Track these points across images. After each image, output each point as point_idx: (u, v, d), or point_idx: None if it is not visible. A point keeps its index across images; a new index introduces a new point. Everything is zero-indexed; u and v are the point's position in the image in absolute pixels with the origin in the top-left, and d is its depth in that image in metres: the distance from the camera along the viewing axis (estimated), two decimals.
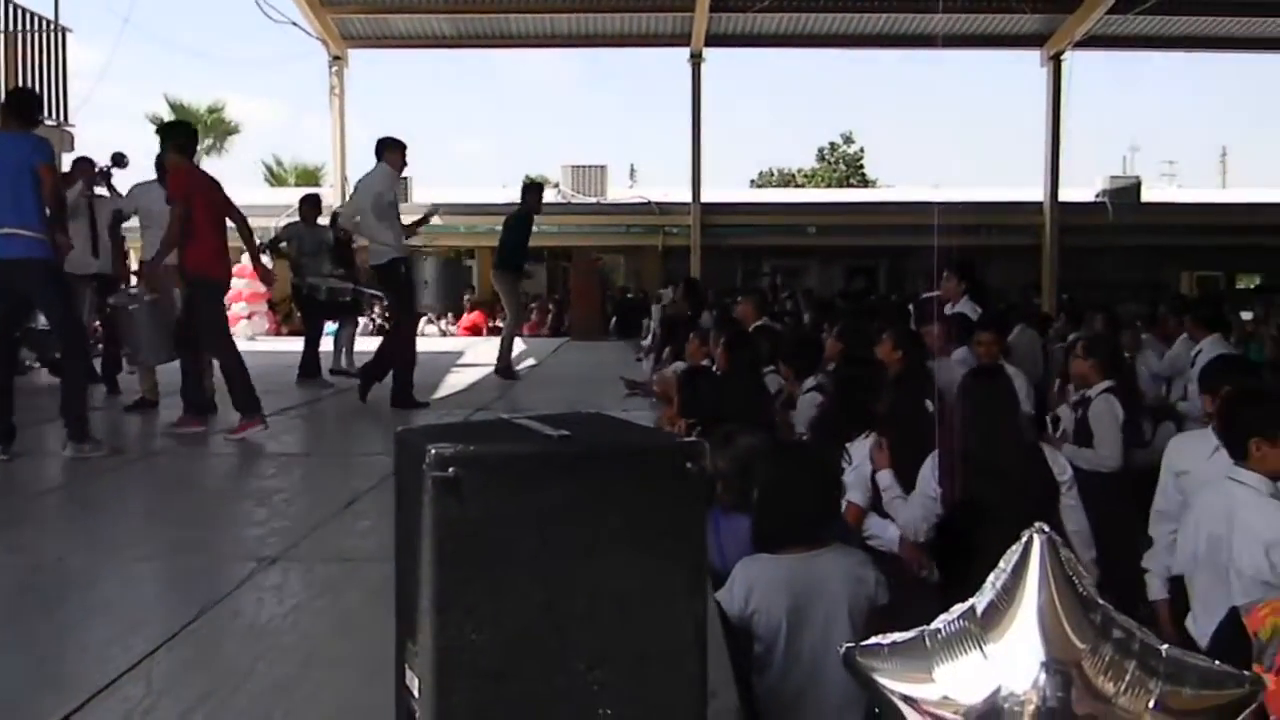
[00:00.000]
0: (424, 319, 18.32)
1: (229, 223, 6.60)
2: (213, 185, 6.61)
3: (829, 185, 37.47)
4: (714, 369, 6.04)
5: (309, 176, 28.89)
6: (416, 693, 1.69)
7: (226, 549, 4.00)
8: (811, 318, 11.02)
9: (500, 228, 10.16)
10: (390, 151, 7.91)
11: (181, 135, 6.92)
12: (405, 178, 20.16)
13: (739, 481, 3.41)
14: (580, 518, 1.68)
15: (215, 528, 4.45)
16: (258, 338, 15.31)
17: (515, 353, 10.15)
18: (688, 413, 4.72)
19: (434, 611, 1.62)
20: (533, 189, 10.29)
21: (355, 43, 18.62)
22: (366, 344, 10.12)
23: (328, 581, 3.61)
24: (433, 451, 1.62)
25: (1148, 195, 21.74)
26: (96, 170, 8.14)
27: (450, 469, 1.61)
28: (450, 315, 18.92)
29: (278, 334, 16.27)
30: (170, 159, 6.71)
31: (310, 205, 10.14)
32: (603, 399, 8.01)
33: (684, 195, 19.56)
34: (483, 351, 11.91)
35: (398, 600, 1.81)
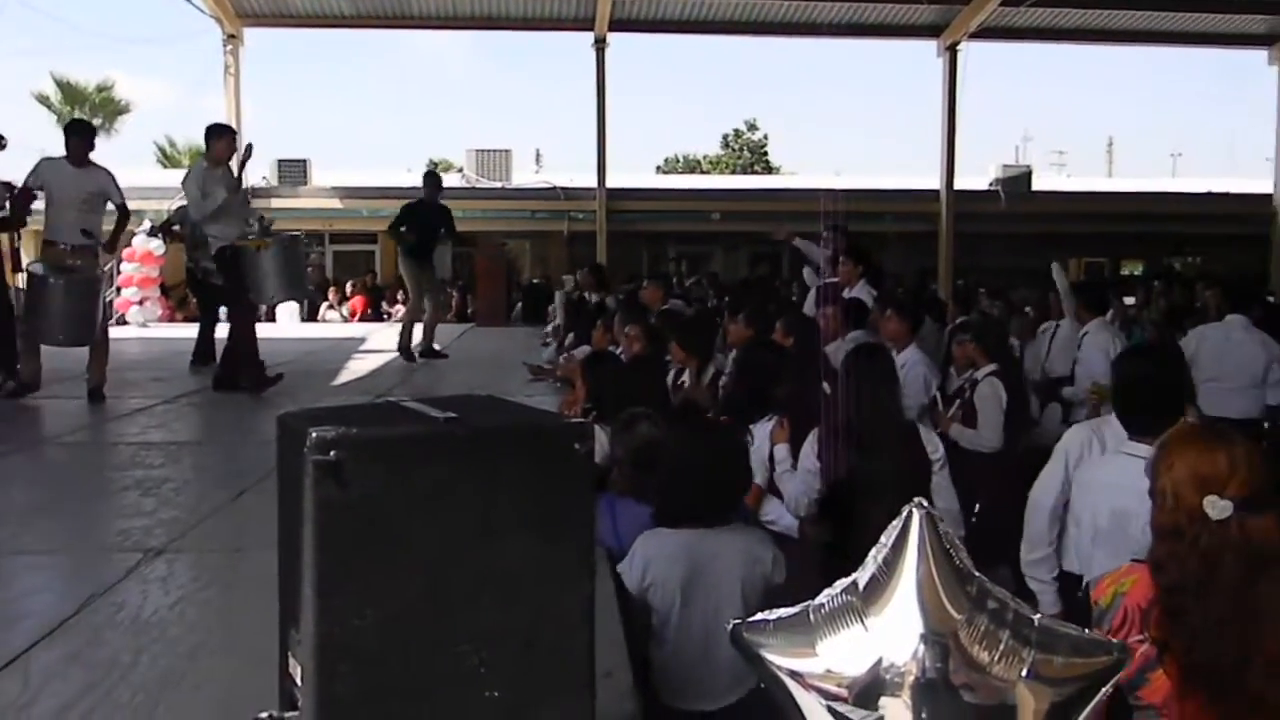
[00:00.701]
0: (325, 305, 18.02)
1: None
2: None
3: (733, 172, 37.78)
4: (619, 354, 6.04)
5: None
6: (299, 680, 1.66)
7: (111, 540, 3.87)
8: (719, 302, 11.12)
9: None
10: (215, 139, 7.68)
11: None
12: (304, 160, 19.90)
13: (633, 470, 3.41)
14: (465, 500, 1.66)
15: (100, 519, 4.30)
16: (150, 324, 14.80)
17: (415, 339, 10.05)
18: (592, 398, 4.70)
19: (316, 598, 1.58)
20: (428, 177, 10.24)
21: (251, 20, 18.10)
22: (263, 330, 9.87)
23: (216, 572, 3.52)
24: (314, 434, 1.58)
25: (1038, 184, 22.37)
26: None
27: (331, 452, 1.57)
28: (348, 301, 18.57)
29: (172, 320, 15.73)
30: None
31: None
32: (507, 384, 7.97)
33: (589, 181, 19.48)
34: (386, 337, 11.76)
35: (281, 588, 1.76)
